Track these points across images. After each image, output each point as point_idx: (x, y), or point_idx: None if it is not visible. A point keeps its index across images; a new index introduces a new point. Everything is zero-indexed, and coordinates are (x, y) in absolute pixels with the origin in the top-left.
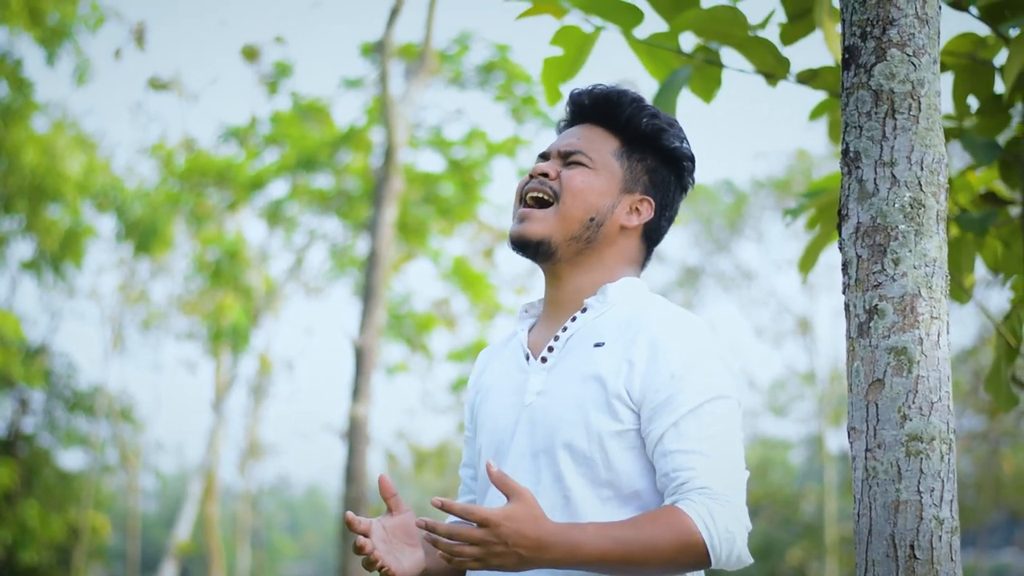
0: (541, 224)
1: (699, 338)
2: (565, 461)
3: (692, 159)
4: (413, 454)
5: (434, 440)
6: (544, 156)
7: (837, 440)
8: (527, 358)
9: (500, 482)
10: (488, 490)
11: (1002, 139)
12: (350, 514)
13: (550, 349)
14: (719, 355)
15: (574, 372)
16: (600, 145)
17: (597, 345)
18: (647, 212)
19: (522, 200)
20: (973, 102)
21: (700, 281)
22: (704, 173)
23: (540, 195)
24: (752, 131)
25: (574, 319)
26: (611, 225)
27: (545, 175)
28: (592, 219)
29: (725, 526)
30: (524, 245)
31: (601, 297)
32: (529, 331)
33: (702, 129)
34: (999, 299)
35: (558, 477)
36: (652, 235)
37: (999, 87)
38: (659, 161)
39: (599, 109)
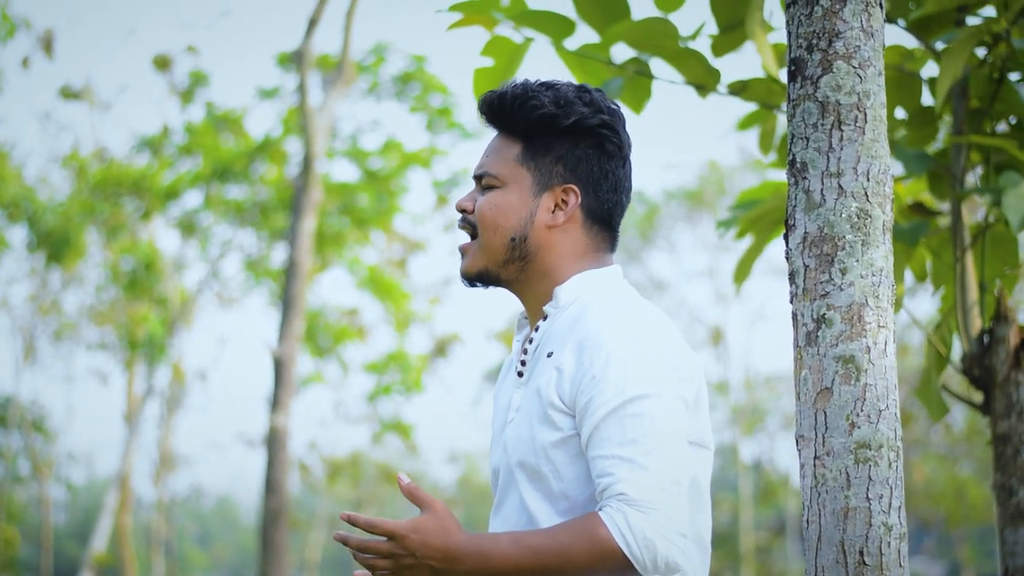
0: (472, 259)
1: (625, 335)
2: (521, 479)
3: (603, 124)
4: (326, 465)
5: (347, 450)
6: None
7: (750, 449)
8: (517, 372)
9: (410, 494)
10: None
11: (930, 150)
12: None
13: (523, 363)
14: (650, 350)
15: (532, 385)
16: (505, 155)
17: (549, 355)
18: (573, 200)
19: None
20: (902, 113)
21: None
22: None
23: (466, 232)
24: (663, 142)
25: (537, 329)
26: (538, 233)
27: (464, 210)
28: (513, 239)
29: (642, 532)
30: (469, 280)
31: (555, 302)
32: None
33: None
34: (916, 308)
35: (519, 496)
36: (598, 215)
37: (927, 99)
38: (568, 142)
39: (494, 116)
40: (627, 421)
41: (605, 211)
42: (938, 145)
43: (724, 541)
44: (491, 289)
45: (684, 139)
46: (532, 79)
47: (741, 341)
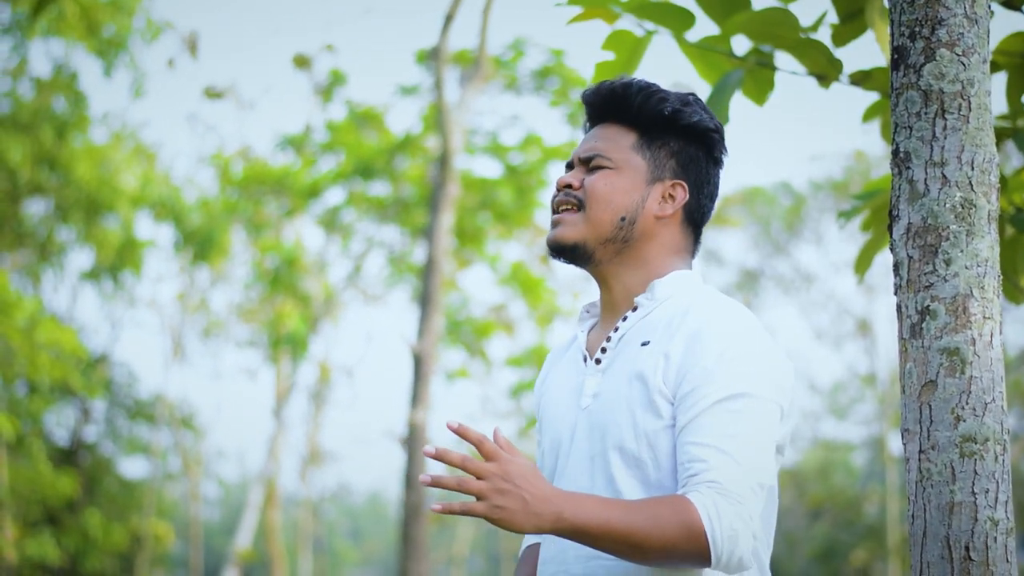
0: (573, 228)
1: (740, 333)
2: (617, 464)
3: (717, 129)
4: None
5: None
6: (569, 165)
7: (899, 441)
8: (584, 360)
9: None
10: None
11: None
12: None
13: (603, 351)
14: (760, 352)
15: (623, 373)
16: (618, 142)
17: (644, 344)
18: (681, 196)
19: (554, 211)
20: None
21: (759, 284)
22: (762, 175)
23: (567, 207)
24: (809, 133)
25: (625, 319)
26: (645, 220)
27: (569, 186)
28: (623, 219)
29: (730, 523)
30: (560, 250)
31: (650, 294)
32: (589, 332)
33: (758, 132)
34: None
35: (610, 480)
36: (694, 217)
37: None
38: (683, 141)
39: (609, 106)
40: (726, 415)
41: (700, 215)
42: None
43: (873, 533)
44: (570, 267)
45: (831, 129)
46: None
47: (888, 333)
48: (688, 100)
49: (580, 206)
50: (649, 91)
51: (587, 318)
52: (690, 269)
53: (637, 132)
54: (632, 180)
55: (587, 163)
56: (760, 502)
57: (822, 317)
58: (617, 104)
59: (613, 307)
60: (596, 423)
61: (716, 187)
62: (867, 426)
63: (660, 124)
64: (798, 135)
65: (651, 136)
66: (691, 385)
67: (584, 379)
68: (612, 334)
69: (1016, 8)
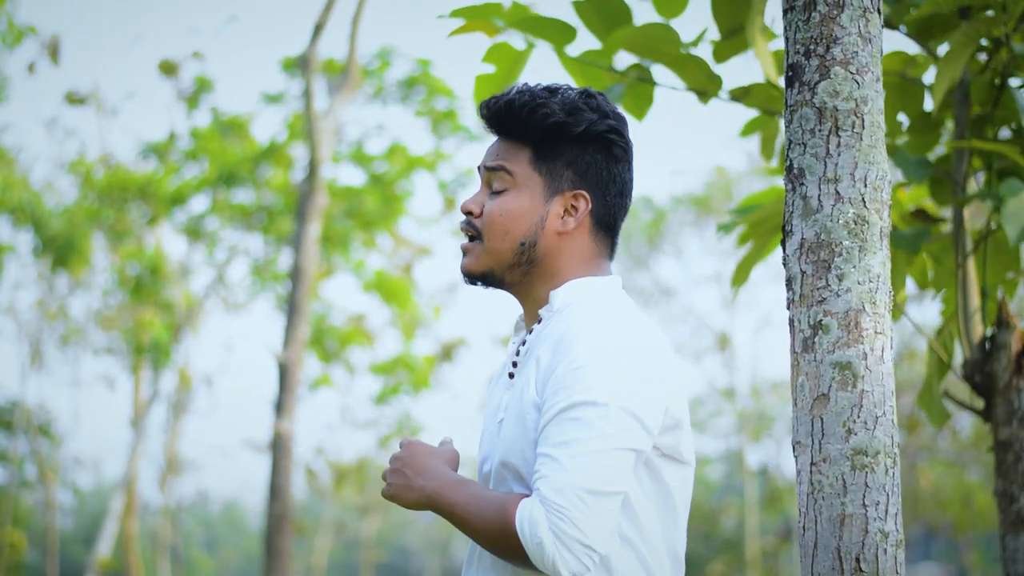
0: (476, 260)
1: (597, 341)
2: (509, 480)
3: (610, 129)
4: (332, 470)
5: (354, 455)
6: (481, 170)
7: (756, 455)
8: (509, 375)
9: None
10: None
11: (932, 156)
12: None
13: (514, 365)
14: (616, 361)
15: (519, 388)
16: (516, 158)
17: (538, 359)
18: (584, 206)
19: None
20: (904, 120)
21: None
22: None
23: (469, 235)
24: (671, 148)
25: (531, 331)
26: (547, 239)
27: (470, 213)
28: (523, 244)
29: (536, 531)
30: (470, 278)
31: (549, 306)
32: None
33: None
34: (921, 315)
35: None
36: (604, 220)
37: (929, 105)
38: (577, 149)
39: (500, 123)
40: (566, 424)
41: (611, 216)
42: (941, 151)
43: (730, 546)
44: (491, 289)
45: (692, 145)
46: (534, 83)
47: (748, 347)
48: (575, 106)
49: (479, 235)
50: (533, 105)
51: (520, 329)
52: (602, 275)
53: (531, 147)
54: (530, 200)
55: (489, 183)
56: (592, 509)
57: (682, 331)
58: (505, 122)
59: (530, 320)
60: (501, 438)
61: (625, 183)
62: (725, 439)
63: (550, 137)
64: (659, 150)
65: (544, 149)
66: (546, 395)
67: (503, 393)
68: (520, 348)
69: (894, 27)
